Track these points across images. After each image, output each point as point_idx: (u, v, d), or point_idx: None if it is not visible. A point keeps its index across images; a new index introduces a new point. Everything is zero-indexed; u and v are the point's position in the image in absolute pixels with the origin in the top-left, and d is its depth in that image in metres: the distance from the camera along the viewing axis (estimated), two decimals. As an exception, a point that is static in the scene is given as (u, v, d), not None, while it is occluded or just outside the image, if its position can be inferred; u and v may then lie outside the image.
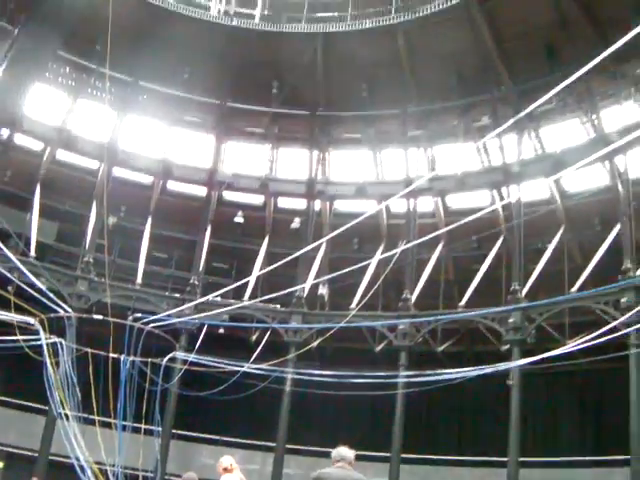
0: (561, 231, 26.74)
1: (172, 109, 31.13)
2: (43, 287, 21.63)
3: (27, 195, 28.32)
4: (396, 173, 31.21)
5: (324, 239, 25.59)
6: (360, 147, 32.29)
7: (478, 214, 16.08)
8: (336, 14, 30.08)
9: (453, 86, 28.90)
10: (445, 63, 28.64)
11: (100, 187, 28.18)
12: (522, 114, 19.83)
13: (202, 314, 25.73)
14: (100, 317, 22.24)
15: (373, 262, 26.33)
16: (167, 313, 23.99)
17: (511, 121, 20.77)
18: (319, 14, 30.30)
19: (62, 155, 29.65)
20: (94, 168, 29.87)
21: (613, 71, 23.87)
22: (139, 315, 20.83)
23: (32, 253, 26.72)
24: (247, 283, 27.76)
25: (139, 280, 28.73)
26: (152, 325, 19.70)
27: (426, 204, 30.44)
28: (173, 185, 31.79)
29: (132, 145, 30.83)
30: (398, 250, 23.28)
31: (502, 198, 28.61)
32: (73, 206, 29.44)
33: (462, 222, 15.17)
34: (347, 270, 18.43)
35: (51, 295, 18.76)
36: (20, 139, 28.74)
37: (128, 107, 30.22)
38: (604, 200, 25.45)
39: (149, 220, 30.30)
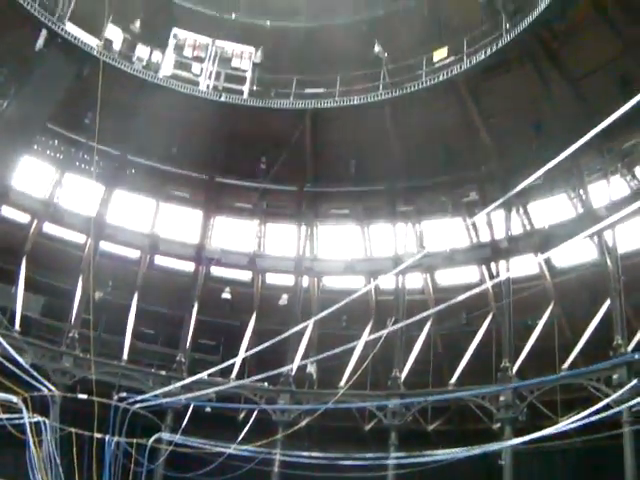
0: (551, 307, 26.94)
1: (160, 184, 31.61)
2: (26, 364, 21.50)
3: (13, 268, 28.29)
4: (384, 249, 31.56)
5: (312, 320, 25.59)
6: (348, 223, 32.79)
7: (467, 294, 16.16)
8: (324, 90, 30.55)
9: (441, 162, 29.39)
10: (433, 139, 29.31)
11: (86, 261, 28.20)
12: (510, 194, 20.04)
13: (189, 394, 25.44)
14: (85, 397, 22.04)
15: (361, 341, 26.32)
16: (153, 393, 23.77)
17: (499, 201, 21.20)
18: (307, 90, 30.83)
19: (49, 228, 29.89)
20: (81, 242, 30.06)
21: (600, 147, 24.24)
22: (124, 395, 20.64)
23: (17, 327, 26.60)
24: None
25: (125, 356, 28.56)
26: (138, 405, 19.52)
27: (415, 280, 30.63)
28: (160, 260, 32.00)
29: (119, 219, 31.10)
30: (386, 331, 23.29)
31: (491, 274, 28.81)
32: (59, 280, 29.46)
33: (451, 302, 15.15)
34: (335, 351, 18.35)
35: (34, 373, 18.63)
36: (7, 211, 28.91)
37: (116, 181, 30.64)
38: (593, 275, 25.76)
39: (136, 295, 30.30)
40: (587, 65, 25.01)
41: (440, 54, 28.91)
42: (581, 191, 26.40)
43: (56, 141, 29.53)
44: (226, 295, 31.12)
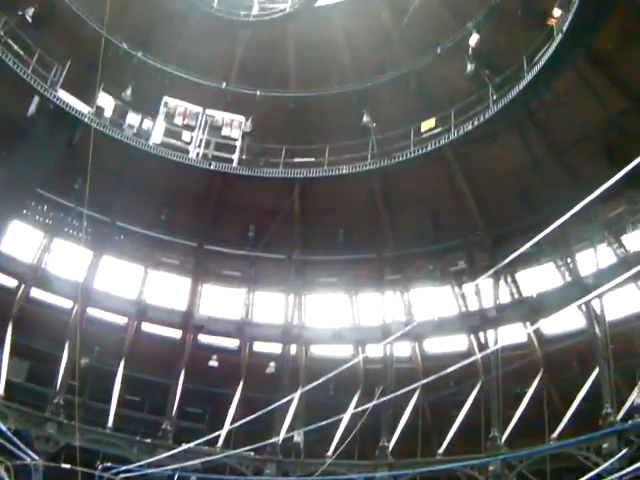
0: (539, 375, 26.97)
1: (149, 250, 31.87)
2: (9, 432, 21.39)
3: (-2, 332, 28.19)
4: (372, 317, 31.70)
5: (299, 391, 25.65)
6: (336, 291, 32.92)
7: (455, 366, 16.41)
8: (313, 159, 31.05)
9: (429, 230, 29.95)
10: (421, 208, 29.96)
11: (73, 327, 28.08)
12: (498, 266, 20.40)
13: (174, 465, 25.26)
14: (68, 466, 21.93)
15: (349, 412, 26.32)
16: (138, 464, 23.65)
17: (488, 273, 21.72)
18: (297, 159, 31.33)
19: (36, 293, 29.83)
20: (68, 307, 29.95)
21: (587, 215, 24.68)
22: (108, 465, 20.53)
23: (1, 393, 26.30)
24: (221, 428, 27.47)
25: (110, 424, 28.20)
26: (122, 476, 19.44)
27: (403, 348, 30.71)
28: (147, 327, 31.90)
29: (107, 285, 31.16)
30: (373, 403, 23.36)
31: (479, 342, 28.87)
32: (45, 345, 29.22)
33: (440, 374, 15.25)
34: (322, 423, 18.34)
35: (17, 441, 18.56)
36: (-6, 276, 28.96)
37: (104, 247, 30.81)
38: (582, 343, 25.91)
39: (122, 362, 30.09)
40: (573, 135, 25.78)
41: (428, 125, 29.55)
42: (568, 259, 26.84)
43: (45, 206, 29.79)
44: (213, 363, 31.05)
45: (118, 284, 31.66)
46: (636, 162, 15.52)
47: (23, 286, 29.26)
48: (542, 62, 23.93)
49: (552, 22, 24.41)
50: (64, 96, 27.38)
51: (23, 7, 27.68)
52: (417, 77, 31.13)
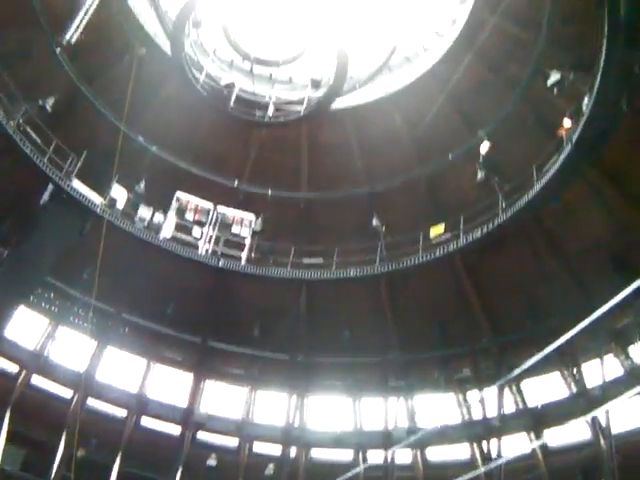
0: (544, 488, 26.64)
1: (152, 344, 31.93)
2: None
3: (-5, 418, 28.09)
4: (375, 422, 31.48)
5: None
6: (339, 394, 32.73)
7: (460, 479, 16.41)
8: (322, 261, 31.45)
9: (435, 336, 30.05)
10: (427, 313, 30.10)
11: (72, 417, 28.06)
12: (506, 379, 20.47)
13: None
14: None
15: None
16: None
17: (495, 385, 21.73)
18: (305, 260, 31.70)
19: (37, 380, 29.72)
20: (68, 397, 29.81)
21: (594, 326, 24.75)
22: None
23: (-6, 482, 26.09)
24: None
25: (104, 519, 27.83)
26: None
27: (404, 455, 30.34)
28: (147, 421, 31.57)
29: (109, 376, 31.12)
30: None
31: (482, 452, 28.56)
32: (42, 434, 28.91)
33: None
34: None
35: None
36: (-4, 360, 29.09)
37: (108, 338, 30.92)
38: (587, 455, 25.61)
39: (119, 456, 29.77)
40: (581, 244, 26.19)
41: (437, 230, 30.09)
42: (575, 370, 26.84)
43: (52, 294, 30.01)
44: (212, 461, 30.72)
45: (120, 376, 31.62)
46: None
47: (24, 372, 29.13)
48: (552, 172, 24.64)
49: (562, 132, 25.20)
50: (78, 186, 28.03)
51: (44, 97, 28.60)
52: (428, 182, 32.03)
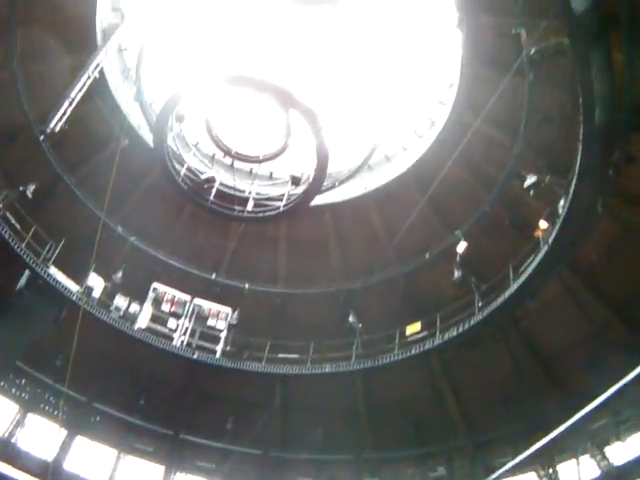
0: None
1: (123, 434, 31.44)
2: None
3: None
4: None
5: None
6: (313, 491, 32.20)
7: None
8: (297, 356, 31.52)
9: (409, 434, 29.89)
10: (402, 411, 30.07)
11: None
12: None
13: None
14: None
15: None
16: None
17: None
18: (280, 355, 31.76)
19: (3, 468, 28.89)
20: (35, 486, 29.21)
21: (570, 426, 24.94)
22: None
23: None
24: None
25: None
26: None
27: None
28: (115, 515, 30.91)
29: (77, 467, 30.33)
30: None
31: None
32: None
33: None
34: None
35: None
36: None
37: (78, 427, 30.39)
38: None
39: None
40: (558, 344, 26.54)
41: (413, 328, 30.38)
42: (550, 470, 26.78)
43: (23, 380, 29.68)
44: None
45: (89, 466, 30.91)
46: (623, 381, 16.38)
47: (-11, 461, 28.72)
48: (528, 272, 25.13)
49: (538, 233, 25.81)
50: (55, 273, 28.17)
51: (25, 183, 28.93)
52: (405, 280, 32.42)
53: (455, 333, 27.53)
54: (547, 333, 26.77)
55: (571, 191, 22.70)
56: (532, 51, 23.46)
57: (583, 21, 18.61)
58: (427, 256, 31.83)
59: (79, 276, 29.29)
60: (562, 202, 24.07)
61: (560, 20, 19.83)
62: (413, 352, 28.68)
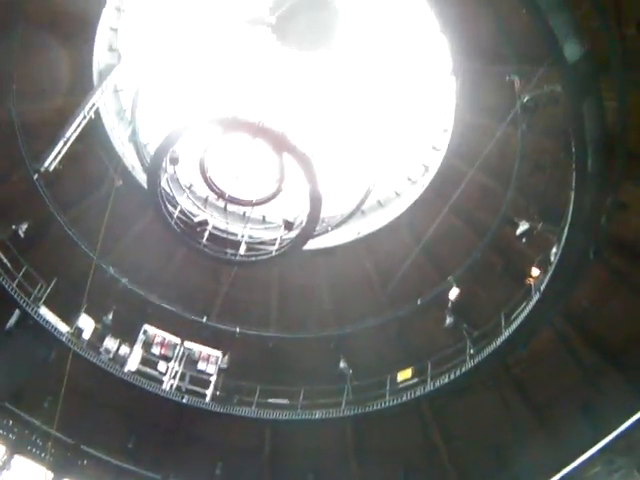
0: None
1: (111, 478, 30.95)
2: None
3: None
4: None
5: None
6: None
7: None
8: (287, 402, 31.43)
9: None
10: (393, 458, 29.94)
11: None
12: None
13: None
14: None
15: None
16: None
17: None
18: (270, 400, 31.65)
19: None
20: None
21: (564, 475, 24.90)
22: None
23: None
24: None
25: None
26: None
27: None
28: None
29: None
30: None
31: None
32: None
33: None
34: None
35: None
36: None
37: (66, 470, 30.00)
38: None
39: None
40: (549, 391, 26.48)
41: (404, 375, 30.37)
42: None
43: (10, 421, 29.30)
44: None
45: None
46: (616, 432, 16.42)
47: (-22, 492, 28.40)
48: (520, 319, 25.24)
49: (530, 281, 25.96)
50: (45, 313, 28.16)
51: (17, 221, 29.04)
52: (397, 326, 32.41)
53: (446, 380, 27.57)
54: (539, 380, 26.77)
55: (563, 238, 22.96)
56: (525, 99, 23.73)
57: (576, 69, 18.93)
58: (419, 302, 31.87)
59: (69, 316, 29.30)
60: (554, 249, 24.28)
61: (553, 68, 20.16)
62: (404, 399, 28.64)
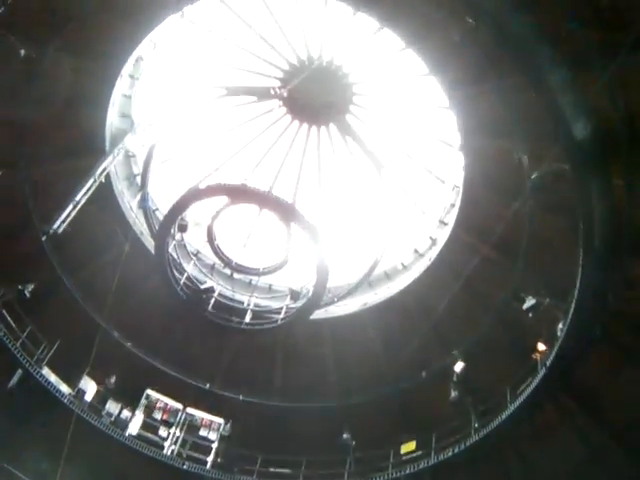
0: None
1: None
2: None
3: None
4: None
5: None
6: None
7: None
8: (289, 471, 31.24)
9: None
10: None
11: None
12: None
13: None
14: None
15: None
16: None
17: None
18: (271, 469, 31.43)
19: None
20: None
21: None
22: None
23: None
24: None
25: None
26: None
27: None
28: None
29: None
30: None
31: None
32: None
33: None
34: None
35: None
36: None
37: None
38: None
39: None
40: (554, 468, 26.24)
41: (408, 447, 30.17)
42: None
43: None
44: None
45: None
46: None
47: None
48: (525, 395, 25.23)
49: (536, 356, 26.03)
50: (47, 374, 28.30)
51: (24, 282, 29.41)
52: (401, 398, 32.28)
53: (450, 454, 27.38)
54: (544, 455, 26.53)
55: (570, 314, 23.08)
56: (533, 176, 24.05)
57: (584, 148, 19.31)
58: (424, 374, 31.82)
59: (72, 377, 29.36)
60: (560, 325, 24.42)
61: (562, 146, 20.54)
62: (407, 471, 28.41)
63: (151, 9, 26.97)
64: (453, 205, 30.48)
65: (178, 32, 31.05)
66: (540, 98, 19.69)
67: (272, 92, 30.69)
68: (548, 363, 24.59)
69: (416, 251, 33.49)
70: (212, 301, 31.90)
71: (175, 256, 31.69)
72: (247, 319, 32.54)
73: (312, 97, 31.20)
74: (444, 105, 28.16)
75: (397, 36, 27.00)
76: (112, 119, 30.14)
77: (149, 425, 31.38)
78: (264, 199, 26.55)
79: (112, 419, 30.35)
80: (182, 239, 33.19)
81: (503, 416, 26.09)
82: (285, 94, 30.40)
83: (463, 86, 26.07)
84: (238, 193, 26.82)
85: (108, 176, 30.10)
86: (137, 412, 31.24)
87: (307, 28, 31.03)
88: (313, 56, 31.32)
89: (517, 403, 25.63)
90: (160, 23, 27.96)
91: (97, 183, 28.60)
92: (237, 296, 34.15)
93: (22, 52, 25.53)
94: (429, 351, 31.81)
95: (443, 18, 23.45)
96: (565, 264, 23.92)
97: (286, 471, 31.54)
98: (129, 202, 32.17)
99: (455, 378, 29.80)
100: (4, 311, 28.04)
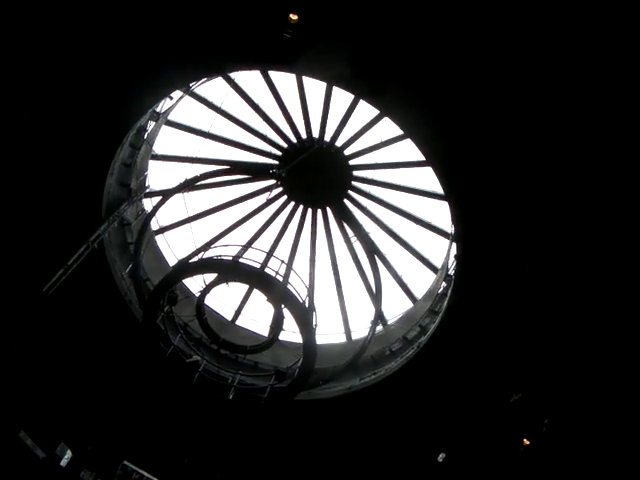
0: None
1: None
2: None
3: None
4: None
5: None
6: None
7: None
8: None
9: None
10: None
11: None
12: None
13: None
14: None
15: None
16: None
17: None
18: None
19: None
20: None
21: None
22: None
23: None
24: None
25: None
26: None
27: None
28: None
29: None
30: None
31: None
32: None
33: None
34: None
35: None
36: None
37: None
38: None
39: None
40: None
41: None
42: None
43: None
44: None
45: None
46: None
47: None
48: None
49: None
50: (23, 436, 28.53)
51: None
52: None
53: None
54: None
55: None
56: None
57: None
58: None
59: (48, 443, 29.65)
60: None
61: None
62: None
63: (157, 84, 27.74)
64: (444, 295, 30.93)
65: (182, 104, 31.98)
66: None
67: (270, 172, 31.53)
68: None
69: (405, 337, 33.97)
70: (197, 376, 32.21)
71: (162, 327, 32.03)
72: (231, 396, 32.81)
73: (309, 180, 32.00)
74: (440, 194, 28.78)
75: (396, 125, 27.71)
76: (110, 187, 30.77)
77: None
78: (254, 279, 26.83)
79: (85, 488, 30.63)
80: (171, 311, 33.53)
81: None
82: (283, 174, 31.17)
83: (459, 181, 26.74)
84: (229, 271, 27.23)
85: (101, 242, 30.65)
86: (111, 483, 31.50)
87: (309, 110, 31.97)
88: (313, 137, 32.36)
89: None
90: (165, 97, 28.97)
91: (89, 249, 29.15)
92: (223, 372, 34.41)
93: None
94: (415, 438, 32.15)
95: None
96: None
97: None
98: (119, 270, 32.67)
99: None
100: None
